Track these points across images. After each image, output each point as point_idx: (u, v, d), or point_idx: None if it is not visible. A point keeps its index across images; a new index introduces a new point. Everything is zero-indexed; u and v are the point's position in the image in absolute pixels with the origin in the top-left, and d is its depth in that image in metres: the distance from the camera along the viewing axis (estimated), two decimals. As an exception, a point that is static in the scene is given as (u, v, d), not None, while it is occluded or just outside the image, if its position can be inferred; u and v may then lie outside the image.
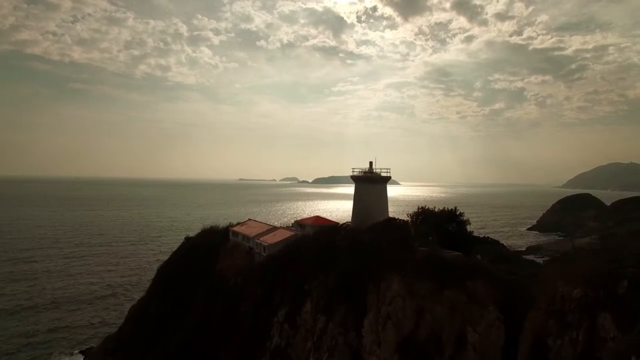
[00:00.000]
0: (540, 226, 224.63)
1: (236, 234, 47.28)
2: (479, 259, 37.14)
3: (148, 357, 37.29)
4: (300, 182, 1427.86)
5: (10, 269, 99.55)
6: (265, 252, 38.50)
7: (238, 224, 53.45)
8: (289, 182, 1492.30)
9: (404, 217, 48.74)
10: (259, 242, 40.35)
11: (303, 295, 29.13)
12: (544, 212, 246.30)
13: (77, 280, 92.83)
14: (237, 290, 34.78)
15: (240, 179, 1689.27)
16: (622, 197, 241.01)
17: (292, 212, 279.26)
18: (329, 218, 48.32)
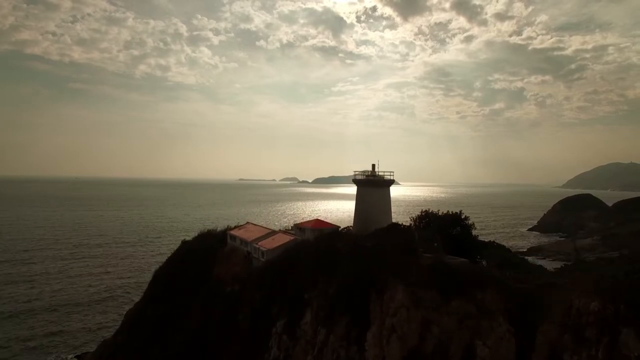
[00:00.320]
0: (541, 227, 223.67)
1: (234, 237, 45.98)
2: (484, 265, 35.90)
3: (143, 365, 36.06)
4: (300, 182, 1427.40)
5: (9, 270, 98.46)
6: (263, 257, 37.21)
7: (236, 227, 52.21)
8: (289, 182, 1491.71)
9: (407, 220, 47.55)
10: (257, 246, 39.06)
11: (303, 304, 27.78)
12: (545, 212, 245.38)
13: (75, 282, 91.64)
14: (235, 297, 33.45)
15: (240, 179, 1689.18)
16: (622, 197, 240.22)
17: (292, 213, 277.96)
18: (330, 220, 46.92)
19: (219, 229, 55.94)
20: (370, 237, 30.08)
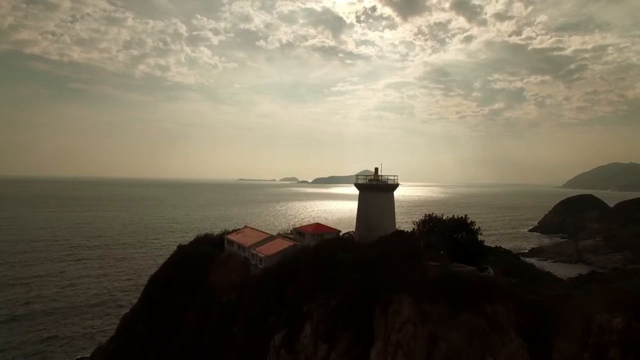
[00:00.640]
0: (542, 227, 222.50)
1: (231, 242, 44.43)
2: (492, 273, 34.42)
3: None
4: (300, 182, 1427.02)
5: (6, 272, 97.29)
6: (261, 264, 35.67)
7: (234, 230, 50.61)
8: (288, 182, 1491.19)
9: (410, 223, 46.01)
10: (255, 253, 37.52)
11: (302, 316, 26.21)
12: (546, 213, 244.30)
13: (72, 285, 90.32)
14: (231, 306, 31.89)
15: (240, 179, 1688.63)
16: (622, 197, 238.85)
17: (292, 213, 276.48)
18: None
19: (216, 232, 54.56)
20: (374, 245, 28.50)
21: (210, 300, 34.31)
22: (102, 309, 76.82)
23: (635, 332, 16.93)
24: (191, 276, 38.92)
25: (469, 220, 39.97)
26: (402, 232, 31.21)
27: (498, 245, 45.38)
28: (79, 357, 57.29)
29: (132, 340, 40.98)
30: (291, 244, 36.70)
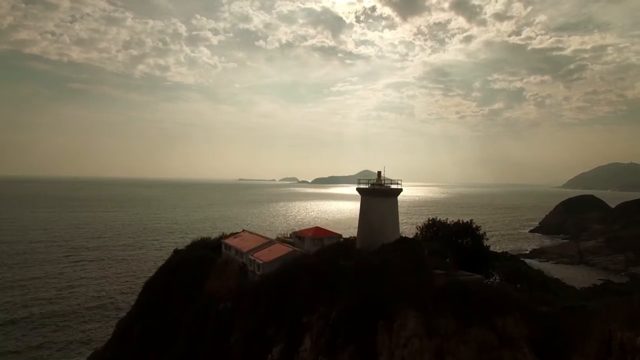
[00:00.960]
0: (543, 228, 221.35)
1: (229, 247, 43.14)
2: (498, 280, 33.19)
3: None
4: (299, 182, 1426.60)
5: (5, 274, 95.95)
6: (259, 270, 34.41)
7: (232, 234, 49.37)
8: (288, 182, 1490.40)
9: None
10: (253, 259, 36.24)
11: (301, 328, 24.92)
12: (547, 213, 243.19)
13: (71, 287, 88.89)
14: (227, 316, 30.60)
15: (240, 179, 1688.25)
16: (622, 197, 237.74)
17: (291, 214, 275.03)
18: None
19: (215, 235, 53.28)
20: (377, 253, 27.18)
21: (206, 308, 33.03)
22: (100, 312, 75.54)
23: (660, 352, 15.73)
24: (187, 282, 37.64)
25: (474, 225, 38.66)
26: (406, 239, 29.85)
27: (504, 250, 44.13)
28: (73, 363, 55.94)
29: (127, 348, 39.75)
30: (290, 250, 35.41)
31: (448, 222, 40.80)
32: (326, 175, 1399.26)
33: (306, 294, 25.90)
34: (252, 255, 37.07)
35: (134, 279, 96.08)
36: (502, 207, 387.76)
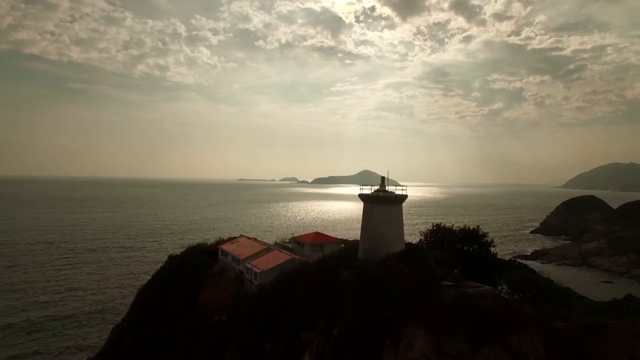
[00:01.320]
0: (544, 229, 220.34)
1: (225, 253, 41.54)
2: (507, 290, 31.66)
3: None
4: (299, 182, 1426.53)
5: (0, 277, 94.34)
6: (256, 280, 32.82)
7: (229, 239, 47.78)
8: (288, 182, 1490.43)
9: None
10: (250, 267, 34.64)
11: (301, 345, 23.31)
12: (548, 214, 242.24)
13: (67, 290, 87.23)
14: (222, 329, 29.00)
15: (240, 179, 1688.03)
16: (622, 197, 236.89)
17: (291, 214, 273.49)
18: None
19: (213, 237, 51.81)
20: (381, 264, 25.55)
21: (200, 320, 31.42)
22: (99, 316, 73.95)
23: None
24: (181, 291, 36.04)
25: (480, 232, 37.06)
26: (412, 249, 28.15)
27: (512, 258, 42.50)
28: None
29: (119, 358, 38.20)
30: (289, 257, 33.82)
31: (454, 228, 39.21)
32: (326, 176, 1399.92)
33: (306, 307, 24.30)
34: (249, 263, 35.48)
35: (133, 281, 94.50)
36: (502, 207, 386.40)
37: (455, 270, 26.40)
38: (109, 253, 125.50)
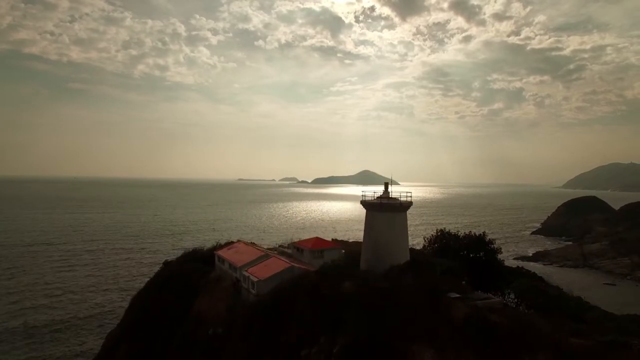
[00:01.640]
0: (545, 230, 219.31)
1: (222, 260, 40.13)
2: (515, 300, 30.34)
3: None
4: (299, 182, 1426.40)
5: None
6: (254, 289, 31.44)
7: (227, 244, 46.39)
8: (288, 182, 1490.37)
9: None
10: (247, 275, 33.24)
11: (300, 362, 22.02)
12: (548, 214, 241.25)
13: (64, 294, 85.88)
14: (218, 342, 27.60)
15: (240, 179, 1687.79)
16: (623, 197, 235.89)
17: (290, 214, 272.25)
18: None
19: (211, 240, 50.58)
20: (385, 276, 24.10)
21: (194, 332, 30.04)
22: (96, 321, 72.66)
23: None
24: (175, 300, 34.67)
25: (487, 238, 35.68)
26: (418, 260, 26.69)
27: (519, 266, 41.12)
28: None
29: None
30: (288, 265, 32.41)
31: (459, 234, 37.81)
32: (326, 176, 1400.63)
33: (305, 322, 22.92)
34: (246, 270, 34.07)
35: (131, 284, 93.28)
36: (503, 207, 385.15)
37: (464, 282, 25.01)
38: (108, 255, 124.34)
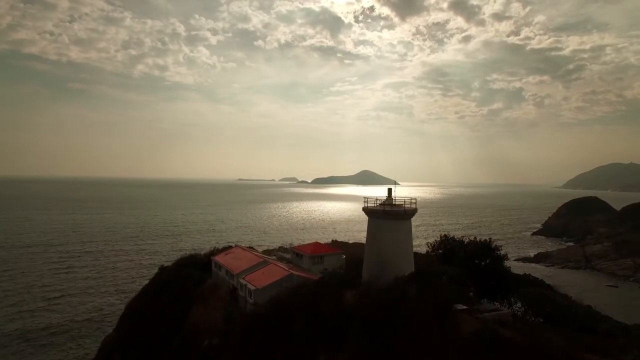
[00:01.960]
0: (546, 230, 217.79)
1: (219, 266, 38.94)
2: (522, 309, 29.19)
3: None
4: (299, 182, 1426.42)
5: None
6: (251, 298, 30.26)
7: (224, 249, 45.22)
8: (288, 182, 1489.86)
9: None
10: (245, 282, 32.06)
11: (299, 379, 20.81)
12: (549, 215, 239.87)
13: (61, 296, 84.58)
14: (214, 354, 26.29)
15: (240, 179, 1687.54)
16: (623, 197, 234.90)
17: (291, 214, 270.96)
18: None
19: (208, 245, 49.54)
20: (389, 289, 22.79)
21: (189, 342, 28.86)
22: (93, 325, 71.52)
23: None
24: (171, 307, 33.51)
25: (493, 245, 34.47)
26: (424, 271, 25.35)
27: (526, 273, 39.91)
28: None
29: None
30: (286, 273, 31.24)
31: (463, 239, 36.58)
32: (325, 176, 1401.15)
33: (303, 337, 21.71)
34: (243, 278, 32.90)
35: (130, 286, 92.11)
36: (503, 208, 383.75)
37: (471, 294, 23.81)
38: (107, 256, 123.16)
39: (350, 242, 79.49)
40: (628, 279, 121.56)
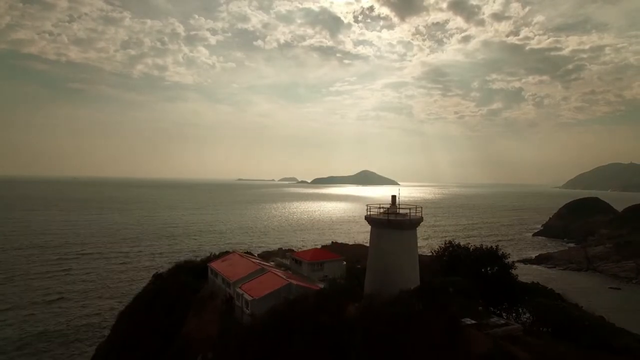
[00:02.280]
0: (547, 231, 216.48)
1: (215, 273, 37.58)
2: (530, 321, 27.86)
3: None
4: (299, 182, 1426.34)
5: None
6: (248, 308, 28.96)
7: (221, 254, 43.93)
8: (287, 182, 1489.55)
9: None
10: (241, 292, 30.73)
11: (297, 400, 19.52)
12: (550, 216, 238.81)
13: (58, 300, 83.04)
14: (208, 369, 25.17)
15: (239, 179, 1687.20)
16: (623, 198, 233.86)
17: (290, 215, 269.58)
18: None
19: (207, 247, 48.28)
20: (393, 303, 21.43)
21: (182, 356, 27.53)
22: (90, 331, 70.17)
23: None
24: (165, 317, 32.21)
25: (500, 252, 33.17)
26: (430, 286, 23.94)
27: (534, 282, 38.57)
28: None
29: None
30: (285, 282, 29.91)
31: (469, 246, 35.25)
32: (325, 176, 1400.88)
33: (303, 355, 20.41)
34: (240, 287, 31.58)
35: (127, 290, 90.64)
36: (503, 208, 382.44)
37: (480, 308, 22.48)
38: (105, 258, 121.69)
39: (350, 243, 78.20)
40: (631, 281, 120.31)
